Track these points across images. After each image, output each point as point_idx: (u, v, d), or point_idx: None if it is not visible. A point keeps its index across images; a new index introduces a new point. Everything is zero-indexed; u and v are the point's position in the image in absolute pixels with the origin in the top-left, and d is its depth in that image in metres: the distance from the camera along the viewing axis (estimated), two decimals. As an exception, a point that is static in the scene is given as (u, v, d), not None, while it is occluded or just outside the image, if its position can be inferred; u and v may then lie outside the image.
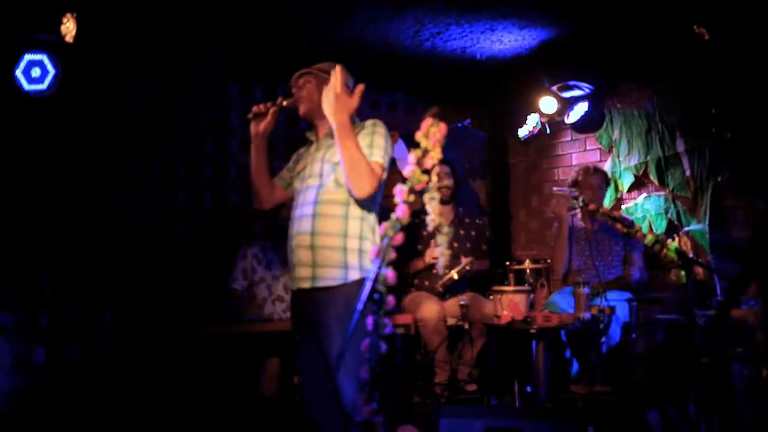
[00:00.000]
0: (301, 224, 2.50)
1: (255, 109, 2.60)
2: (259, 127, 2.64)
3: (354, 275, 2.42)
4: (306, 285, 2.48)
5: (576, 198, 3.81)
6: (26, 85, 2.76)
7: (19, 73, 2.72)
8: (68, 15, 2.59)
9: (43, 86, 2.81)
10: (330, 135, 2.57)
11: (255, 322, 3.67)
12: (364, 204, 2.48)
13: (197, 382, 3.47)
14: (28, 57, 2.76)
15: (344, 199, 2.47)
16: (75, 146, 3.79)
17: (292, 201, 2.71)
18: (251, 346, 3.66)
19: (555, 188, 4.17)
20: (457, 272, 4.01)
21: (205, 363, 3.51)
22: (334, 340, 2.36)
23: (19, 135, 3.59)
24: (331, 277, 2.43)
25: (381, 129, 2.54)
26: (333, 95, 2.35)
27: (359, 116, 2.64)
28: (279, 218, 3.90)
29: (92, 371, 3.84)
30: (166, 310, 4.10)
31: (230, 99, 4.37)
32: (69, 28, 2.52)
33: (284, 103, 2.61)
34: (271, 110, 2.61)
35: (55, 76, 2.79)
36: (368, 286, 1.83)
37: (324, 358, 2.42)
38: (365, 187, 2.37)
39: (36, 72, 2.78)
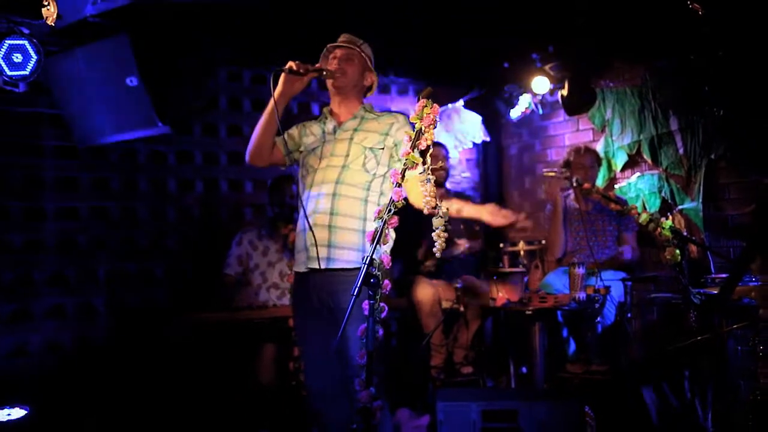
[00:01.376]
0: (318, 203, 2.44)
1: (292, 65, 2.42)
2: (289, 87, 2.49)
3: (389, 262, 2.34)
4: (320, 265, 2.40)
5: (567, 178, 3.79)
6: (8, 71, 2.68)
7: (0, 59, 2.64)
8: (49, -2, 2.52)
9: (26, 72, 2.74)
10: (355, 119, 2.54)
11: (250, 309, 3.64)
12: (383, 190, 2.47)
13: (194, 369, 3.46)
14: (9, 42, 2.69)
15: (365, 184, 2.45)
16: (60, 132, 3.73)
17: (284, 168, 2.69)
18: (247, 332, 3.65)
19: (545, 169, 4.14)
20: (450, 257, 4.00)
21: (201, 349, 3.49)
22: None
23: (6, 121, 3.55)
24: (347, 259, 2.38)
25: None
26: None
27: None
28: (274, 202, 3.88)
29: (88, 360, 3.82)
30: (158, 297, 4.08)
31: (219, 84, 4.31)
32: (50, 11, 2.45)
33: (324, 72, 2.50)
34: (310, 74, 2.47)
35: (37, 61, 2.72)
36: (363, 269, 1.82)
37: (332, 343, 2.32)
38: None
39: (18, 58, 2.71)
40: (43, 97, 3.66)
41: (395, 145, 2.47)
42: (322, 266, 2.39)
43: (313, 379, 2.51)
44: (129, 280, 4.01)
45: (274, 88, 2.46)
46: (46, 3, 2.42)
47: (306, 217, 2.44)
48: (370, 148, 2.46)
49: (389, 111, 2.63)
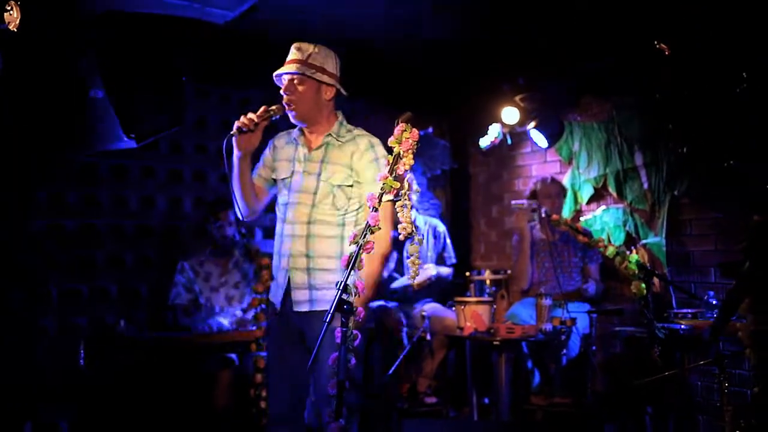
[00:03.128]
0: (294, 244, 2.40)
1: (239, 124, 2.35)
2: (246, 143, 2.40)
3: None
4: (304, 308, 2.39)
5: (534, 210, 3.81)
6: (-35, 77, 2.56)
7: (-43, 63, 2.51)
8: (12, 2, 2.41)
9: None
10: (324, 146, 2.47)
11: (206, 334, 3.52)
12: (359, 220, 2.43)
13: (148, 393, 3.32)
14: (-33, 47, 2.56)
15: (339, 221, 2.41)
16: (19, 141, 3.57)
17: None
18: (203, 357, 3.53)
19: (513, 201, 4.17)
20: (417, 285, 3.96)
21: (156, 373, 3.36)
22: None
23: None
24: (329, 299, 2.31)
25: (382, 150, 2.42)
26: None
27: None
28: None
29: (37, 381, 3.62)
30: (111, 317, 3.92)
31: (186, 101, 4.21)
32: (13, 16, 2.34)
33: (271, 111, 2.40)
34: (261, 124, 2.40)
35: (-3, 70, 2.60)
36: (337, 296, 1.75)
37: (310, 377, 2.33)
38: (388, 250, 2.41)
39: (-24, 63, 2.59)
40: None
41: (359, 175, 2.43)
42: (305, 309, 2.38)
43: (276, 406, 2.46)
44: (81, 300, 3.84)
45: (229, 152, 2.38)
46: (8, 8, 2.32)
47: (280, 256, 2.42)
48: (338, 186, 2.41)
49: (352, 133, 2.51)
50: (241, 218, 2.53)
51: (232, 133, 2.36)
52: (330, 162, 2.44)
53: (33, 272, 3.71)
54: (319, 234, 2.39)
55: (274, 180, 2.58)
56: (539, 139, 4.38)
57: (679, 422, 3.35)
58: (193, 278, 3.78)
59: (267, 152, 2.60)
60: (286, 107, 2.44)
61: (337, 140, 2.48)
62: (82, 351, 3.40)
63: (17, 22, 2.33)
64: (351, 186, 2.42)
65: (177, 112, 3.79)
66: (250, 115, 2.37)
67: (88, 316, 3.84)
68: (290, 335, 2.44)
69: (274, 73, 2.49)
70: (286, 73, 2.44)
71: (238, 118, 2.39)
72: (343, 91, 2.51)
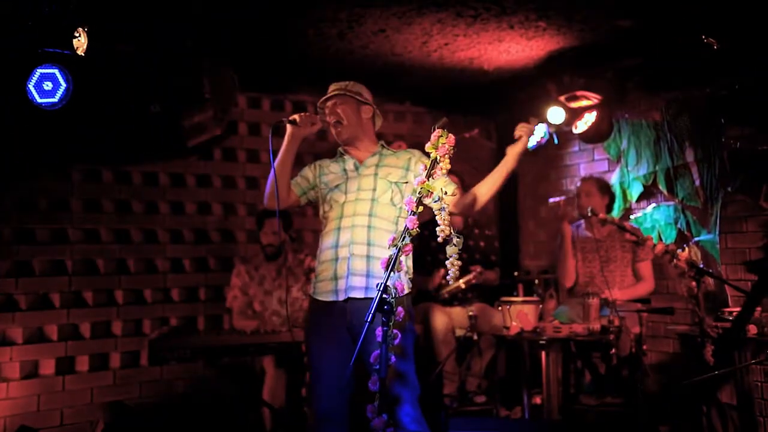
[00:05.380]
0: (354, 234, 2.51)
1: (296, 118, 2.53)
2: (298, 131, 2.56)
3: (405, 289, 2.42)
4: (359, 295, 2.47)
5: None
6: (38, 98, 2.78)
7: (31, 86, 2.74)
8: (80, 29, 2.62)
9: (55, 99, 2.83)
10: (375, 155, 2.63)
11: (260, 334, 3.67)
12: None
13: (205, 392, 3.47)
14: (40, 71, 2.79)
15: (394, 218, 2.54)
16: (85, 157, 3.83)
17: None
18: (256, 357, 3.66)
19: (550, 200, 4.18)
20: (465, 282, 4.00)
21: (213, 374, 3.51)
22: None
23: (30, 146, 3.64)
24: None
25: None
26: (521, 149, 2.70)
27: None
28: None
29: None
30: (171, 319, 4.13)
31: (238, 110, 4.40)
32: (81, 41, 2.55)
33: (319, 119, 2.61)
34: (309, 128, 2.58)
35: (66, 89, 2.81)
36: (377, 296, 1.84)
37: (348, 368, 2.40)
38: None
39: (48, 85, 2.81)
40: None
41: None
42: (360, 296, 2.45)
43: (322, 403, 2.51)
44: (146, 303, 4.07)
45: (280, 136, 2.51)
46: (77, 34, 2.52)
47: (338, 247, 2.50)
48: (395, 183, 2.55)
49: (402, 149, 2.72)
50: (264, 201, 2.61)
51: (284, 119, 2.53)
52: (386, 165, 2.60)
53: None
54: (378, 226, 2.50)
55: (311, 193, 2.70)
56: (585, 122, 4.32)
57: (738, 422, 3.28)
58: (248, 282, 3.95)
59: (307, 169, 2.73)
60: (333, 129, 2.62)
61: (389, 150, 2.67)
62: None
63: (84, 47, 2.53)
64: (406, 183, 2.56)
65: (229, 120, 3.97)
66: (305, 114, 2.55)
67: (150, 317, 4.06)
68: (335, 331, 2.49)
69: (318, 103, 2.68)
70: (329, 98, 2.64)
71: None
72: (378, 112, 2.70)
